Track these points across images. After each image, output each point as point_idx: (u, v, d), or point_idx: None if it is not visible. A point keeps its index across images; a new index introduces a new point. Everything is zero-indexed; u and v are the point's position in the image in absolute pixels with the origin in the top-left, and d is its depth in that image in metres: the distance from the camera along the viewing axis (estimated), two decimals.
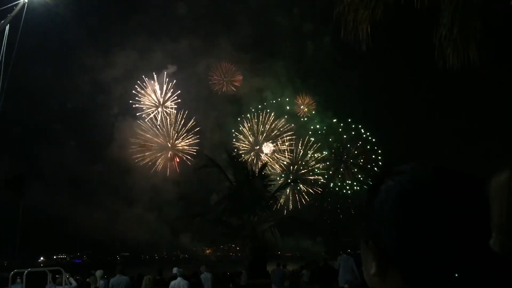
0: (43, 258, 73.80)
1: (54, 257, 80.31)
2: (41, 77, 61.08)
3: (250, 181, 27.89)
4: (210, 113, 72.11)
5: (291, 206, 65.76)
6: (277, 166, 66.84)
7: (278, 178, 51.73)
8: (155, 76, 68.92)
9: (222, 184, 28.85)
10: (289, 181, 51.95)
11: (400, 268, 0.81)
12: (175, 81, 68.83)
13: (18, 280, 14.42)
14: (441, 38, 8.38)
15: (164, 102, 68.76)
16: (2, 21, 8.07)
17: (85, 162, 70.50)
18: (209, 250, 65.68)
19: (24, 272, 9.65)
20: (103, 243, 74.65)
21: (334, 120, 70.51)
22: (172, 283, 13.90)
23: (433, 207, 0.79)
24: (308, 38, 72.47)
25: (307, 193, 67.79)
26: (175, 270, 16.22)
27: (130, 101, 68.87)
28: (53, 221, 65.21)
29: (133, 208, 71.14)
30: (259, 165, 32.51)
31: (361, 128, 69.20)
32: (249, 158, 62.93)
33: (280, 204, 50.17)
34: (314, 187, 68.00)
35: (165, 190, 69.70)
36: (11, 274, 9.82)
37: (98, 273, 14.68)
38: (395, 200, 0.83)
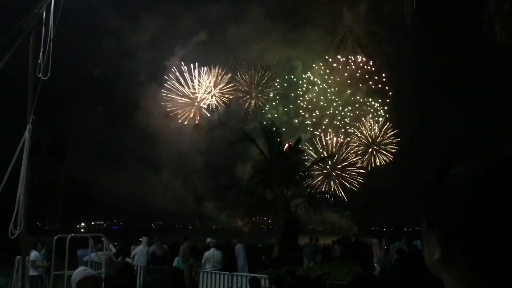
0: (84, 224, 76.35)
1: (92, 223, 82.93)
2: (68, 43, 60.97)
3: (284, 154, 27.76)
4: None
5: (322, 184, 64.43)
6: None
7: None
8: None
9: (247, 154, 28.60)
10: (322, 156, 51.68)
11: (467, 254, 0.80)
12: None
13: (39, 245, 14.89)
14: (489, 13, 8.11)
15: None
16: None
17: (113, 129, 70.65)
18: (241, 222, 66.42)
19: (67, 237, 9.99)
20: (136, 211, 76.51)
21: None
22: (207, 253, 14.15)
23: (507, 193, 0.78)
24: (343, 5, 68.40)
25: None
26: (208, 240, 16.54)
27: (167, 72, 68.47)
28: (86, 189, 66.76)
29: (161, 175, 71.54)
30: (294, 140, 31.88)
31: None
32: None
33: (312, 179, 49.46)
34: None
35: (191, 159, 69.99)
36: (55, 239, 10.18)
37: (144, 239, 15.29)
38: (467, 185, 0.81)
